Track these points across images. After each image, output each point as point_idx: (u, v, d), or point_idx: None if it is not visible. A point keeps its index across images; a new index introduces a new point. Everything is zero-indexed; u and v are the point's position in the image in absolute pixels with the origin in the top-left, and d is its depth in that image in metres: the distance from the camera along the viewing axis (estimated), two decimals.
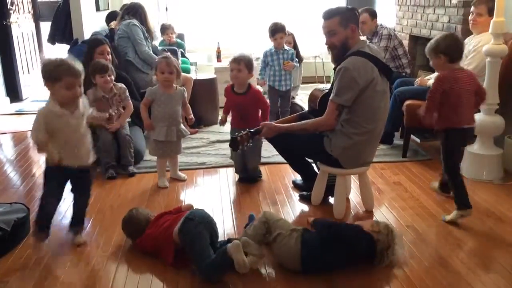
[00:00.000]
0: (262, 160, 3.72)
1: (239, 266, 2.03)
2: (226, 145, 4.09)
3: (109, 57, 3.72)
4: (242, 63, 3.10)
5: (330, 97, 2.58)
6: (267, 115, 3.26)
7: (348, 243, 2.22)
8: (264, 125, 2.75)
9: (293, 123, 2.83)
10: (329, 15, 2.64)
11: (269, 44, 4.49)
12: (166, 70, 3.14)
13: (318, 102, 2.84)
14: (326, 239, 2.21)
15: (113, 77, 3.49)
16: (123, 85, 3.60)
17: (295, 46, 4.91)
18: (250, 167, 3.32)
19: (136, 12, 4.57)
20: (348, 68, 2.50)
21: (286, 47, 4.45)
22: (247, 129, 2.73)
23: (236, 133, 2.66)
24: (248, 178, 3.36)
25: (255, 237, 2.24)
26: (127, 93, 3.60)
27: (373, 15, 4.56)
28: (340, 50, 2.64)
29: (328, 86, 2.93)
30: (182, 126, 3.30)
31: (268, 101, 3.20)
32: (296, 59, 4.54)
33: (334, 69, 2.66)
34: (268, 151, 3.71)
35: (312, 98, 3.01)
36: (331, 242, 2.21)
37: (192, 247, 2.17)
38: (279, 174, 3.47)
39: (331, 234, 2.24)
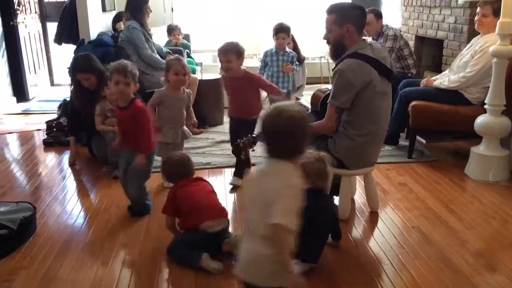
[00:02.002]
0: None
1: (213, 271, 2.21)
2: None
3: (90, 81, 3.51)
4: (129, 76, 2.62)
5: (328, 100, 2.59)
6: (142, 141, 2.69)
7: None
8: None
9: None
10: (328, 11, 2.63)
11: (272, 45, 4.47)
12: (181, 72, 3.15)
13: (320, 103, 2.84)
14: None
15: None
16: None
17: (295, 47, 4.89)
18: (129, 196, 2.88)
19: (132, 8, 4.52)
20: (343, 71, 2.50)
21: (287, 49, 4.42)
22: (249, 134, 2.72)
23: (239, 140, 2.63)
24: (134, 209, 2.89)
25: None
26: None
27: (378, 15, 4.55)
28: (334, 48, 2.64)
29: (329, 86, 2.93)
30: (185, 127, 3.30)
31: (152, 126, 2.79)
32: (297, 63, 4.48)
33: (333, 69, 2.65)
34: None
35: (314, 98, 3.01)
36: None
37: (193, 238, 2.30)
38: None
39: None
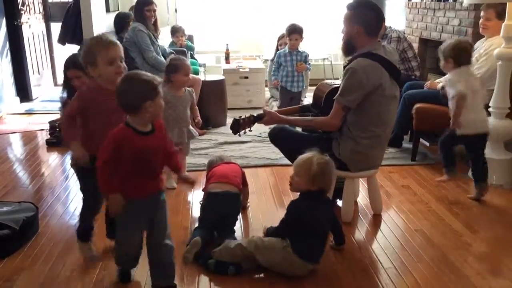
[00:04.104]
0: (269, 162, 3.73)
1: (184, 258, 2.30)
2: (234, 146, 4.11)
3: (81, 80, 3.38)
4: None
5: (335, 97, 2.57)
6: (177, 164, 2.14)
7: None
8: (267, 113, 2.74)
9: (297, 117, 2.83)
10: (348, 7, 2.64)
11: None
12: (189, 73, 3.22)
13: (324, 98, 2.81)
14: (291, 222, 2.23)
15: None
16: None
17: None
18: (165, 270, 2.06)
19: (135, 11, 4.54)
20: (356, 70, 2.49)
21: (300, 49, 4.46)
22: (250, 113, 2.73)
23: (240, 116, 2.66)
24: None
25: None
26: None
27: None
28: (345, 44, 2.66)
29: (336, 82, 2.91)
30: (191, 127, 3.31)
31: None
32: (309, 62, 4.54)
33: (344, 67, 2.65)
34: (275, 153, 3.70)
35: (318, 92, 2.96)
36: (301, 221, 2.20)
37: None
38: (287, 176, 3.44)
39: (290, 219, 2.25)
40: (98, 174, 1.86)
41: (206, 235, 2.41)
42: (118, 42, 2.10)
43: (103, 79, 2.07)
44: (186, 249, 2.31)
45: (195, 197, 3.12)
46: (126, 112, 1.88)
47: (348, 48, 2.64)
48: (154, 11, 4.58)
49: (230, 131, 2.73)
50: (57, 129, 4.27)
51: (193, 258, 2.29)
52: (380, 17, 2.61)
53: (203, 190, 2.72)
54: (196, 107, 3.38)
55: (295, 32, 4.34)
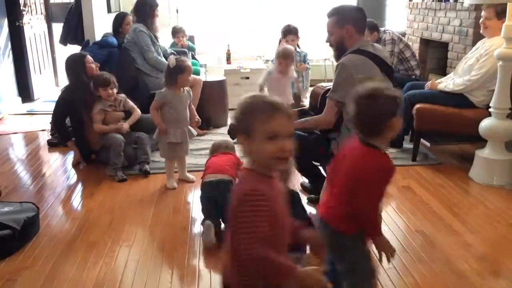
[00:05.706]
0: None
1: (203, 240, 2.49)
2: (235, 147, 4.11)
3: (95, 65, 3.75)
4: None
5: (328, 94, 2.60)
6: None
7: None
8: None
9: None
10: (329, 14, 2.67)
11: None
12: (191, 73, 3.30)
13: (319, 99, 2.83)
14: None
15: (115, 90, 3.57)
16: (123, 95, 3.69)
17: None
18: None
19: (140, 12, 4.56)
20: (345, 64, 2.51)
21: (298, 49, 4.45)
22: None
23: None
24: None
25: None
26: (130, 102, 3.71)
27: (373, 28, 4.40)
28: (337, 49, 2.68)
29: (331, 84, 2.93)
30: (189, 126, 3.32)
31: None
32: (308, 62, 4.54)
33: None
34: None
35: (313, 94, 3.01)
36: None
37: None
38: None
39: None
40: (371, 217, 1.71)
41: (214, 221, 2.52)
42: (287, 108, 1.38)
43: (259, 162, 1.34)
44: (203, 236, 2.48)
45: (195, 197, 3.12)
46: (368, 136, 1.67)
47: (341, 52, 2.64)
48: (157, 15, 4.62)
49: None
50: None
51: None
52: (362, 12, 2.66)
53: (201, 178, 2.84)
54: (193, 106, 3.40)
55: (290, 33, 4.34)
